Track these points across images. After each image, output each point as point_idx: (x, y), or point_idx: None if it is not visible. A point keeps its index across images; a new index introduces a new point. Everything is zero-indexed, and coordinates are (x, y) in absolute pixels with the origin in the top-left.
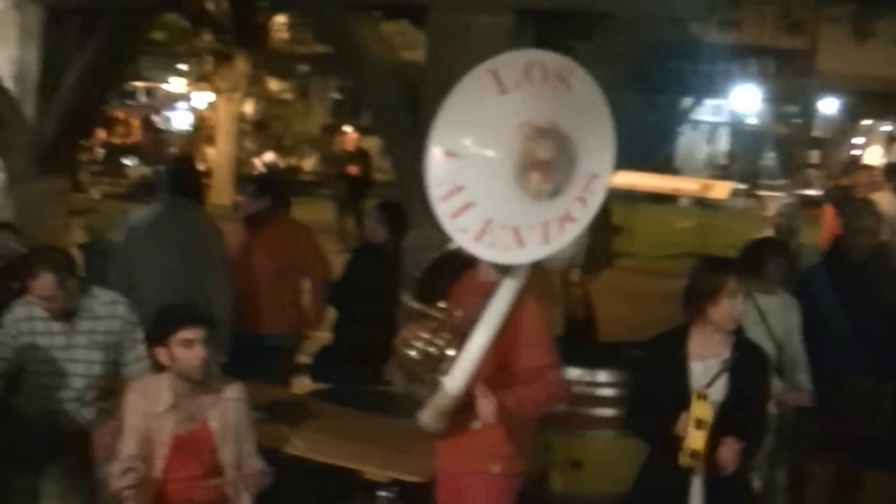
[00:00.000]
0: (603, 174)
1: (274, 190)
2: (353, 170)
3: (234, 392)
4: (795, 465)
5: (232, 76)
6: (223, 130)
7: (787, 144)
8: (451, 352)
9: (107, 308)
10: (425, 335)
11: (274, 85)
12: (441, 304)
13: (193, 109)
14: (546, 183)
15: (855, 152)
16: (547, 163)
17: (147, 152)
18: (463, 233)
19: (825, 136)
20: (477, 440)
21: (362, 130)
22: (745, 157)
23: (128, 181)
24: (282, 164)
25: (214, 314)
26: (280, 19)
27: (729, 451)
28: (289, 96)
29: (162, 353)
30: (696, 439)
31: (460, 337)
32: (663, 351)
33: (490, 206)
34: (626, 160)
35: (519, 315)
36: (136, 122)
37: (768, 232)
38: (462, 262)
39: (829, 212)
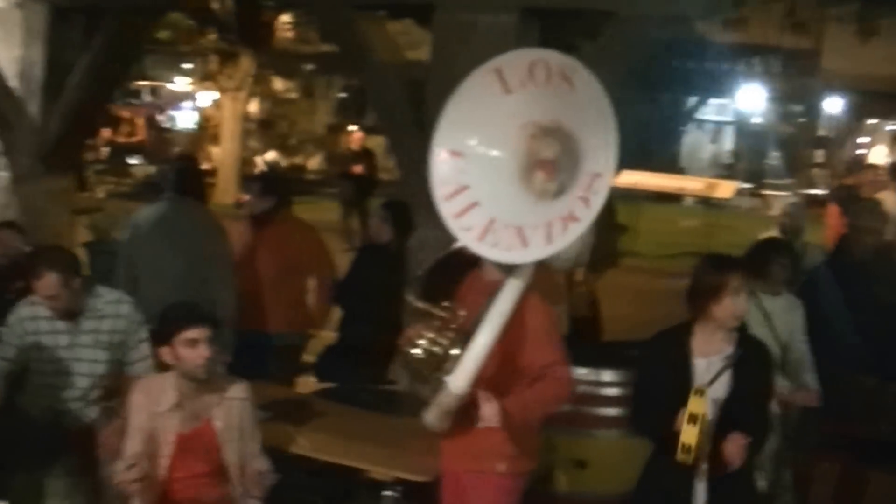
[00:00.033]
0: (606, 173)
1: (279, 189)
2: (357, 169)
3: (238, 391)
4: (799, 464)
5: (237, 75)
6: (228, 130)
7: (792, 144)
8: (455, 351)
9: (111, 307)
10: (429, 334)
11: (279, 84)
12: (445, 304)
13: (198, 108)
14: (551, 182)
15: (860, 151)
16: (551, 162)
17: (152, 151)
18: (467, 232)
19: (830, 136)
20: (482, 439)
21: (367, 130)
22: (749, 156)
23: (132, 180)
24: (283, 162)
25: (218, 313)
26: (285, 18)
27: (734, 447)
28: (293, 95)
29: (166, 353)
30: (688, 434)
31: (464, 336)
32: (666, 348)
33: (494, 206)
34: (631, 159)
35: (523, 314)
36: (140, 122)
37: (773, 231)
38: (466, 262)
39: (833, 211)
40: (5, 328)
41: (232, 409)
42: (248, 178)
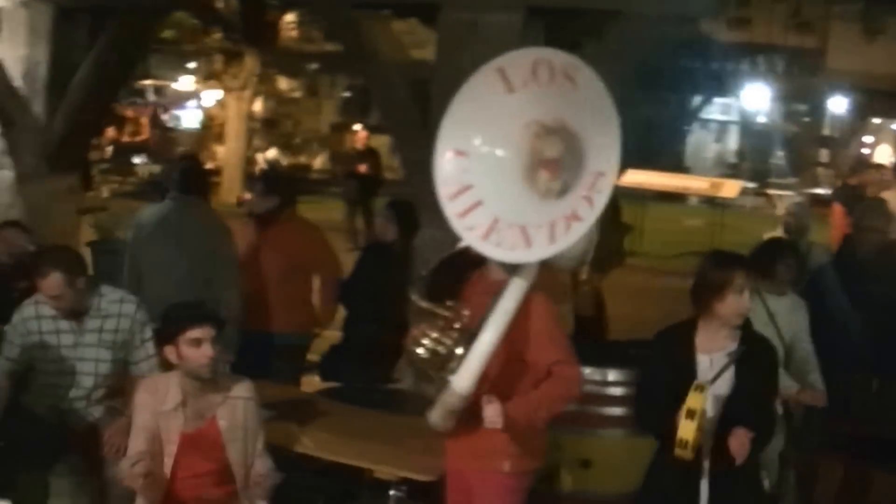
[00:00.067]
0: (609, 173)
1: (283, 189)
2: (362, 168)
3: (243, 391)
4: (803, 464)
5: (241, 74)
6: (232, 129)
7: (797, 143)
8: (459, 351)
9: (115, 307)
10: (434, 334)
11: (283, 83)
12: (450, 303)
13: (202, 108)
14: (554, 181)
15: (864, 151)
16: (555, 161)
17: (156, 151)
18: (471, 231)
19: (834, 135)
20: (487, 438)
21: (372, 129)
22: (754, 155)
23: (137, 179)
24: (285, 161)
25: (223, 313)
26: (289, 17)
27: (738, 441)
28: (298, 95)
29: (170, 352)
30: (685, 429)
31: (469, 336)
32: (670, 344)
33: (498, 205)
34: (636, 159)
35: (528, 313)
36: (145, 121)
37: (777, 231)
38: (471, 261)
39: (838, 210)
40: (9, 327)
41: (236, 408)
42: (252, 178)
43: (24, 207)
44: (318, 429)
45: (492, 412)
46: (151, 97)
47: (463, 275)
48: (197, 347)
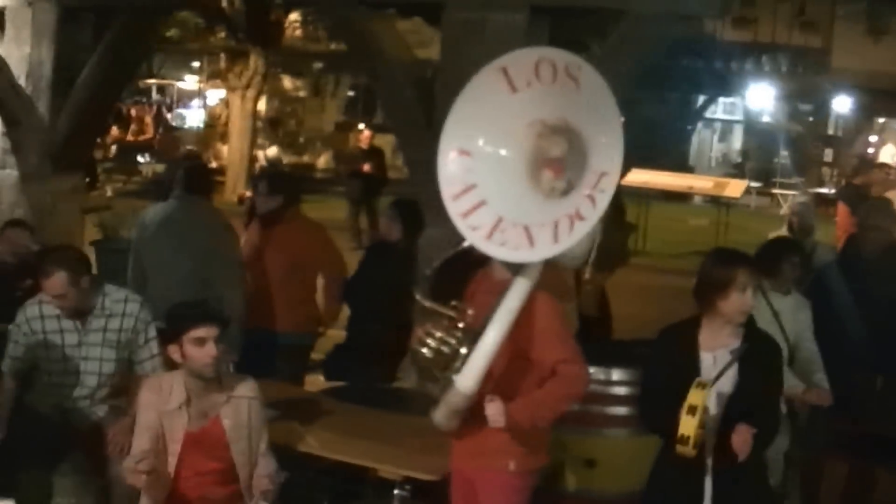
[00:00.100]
0: (612, 172)
1: (287, 188)
2: (366, 168)
3: (247, 390)
4: (809, 463)
5: (245, 74)
6: (236, 128)
7: (801, 142)
8: (464, 350)
9: (119, 306)
10: (438, 333)
11: (287, 82)
12: (454, 303)
13: (207, 107)
14: (558, 180)
15: (869, 150)
16: (559, 160)
17: (160, 150)
18: (474, 231)
19: (839, 135)
20: (492, 437)
21: (376, 128)
22: (758, 155)
23: (141, 178)
24: (285, 159)
25: (226, 312)
26: (294, 17)
27: (740, 438)
28: (302, 94)
29: (174, 351)
30: (686, 425)
31: (473, 335)
32: (673, 342)
33: (501, 204)
34: (641, 158)
35: (532, 312)
36: (149, 120)
37: (782, 230)
38: (475, 261)
39: (842, 210)
40: (14, 327)
41: (240, 407)
42: (254, 176)
43: (29, 207)
44: (322, 428)
45: (493, 410)
46: (156, 96)
47: (467, 274)
48: (201, 347)
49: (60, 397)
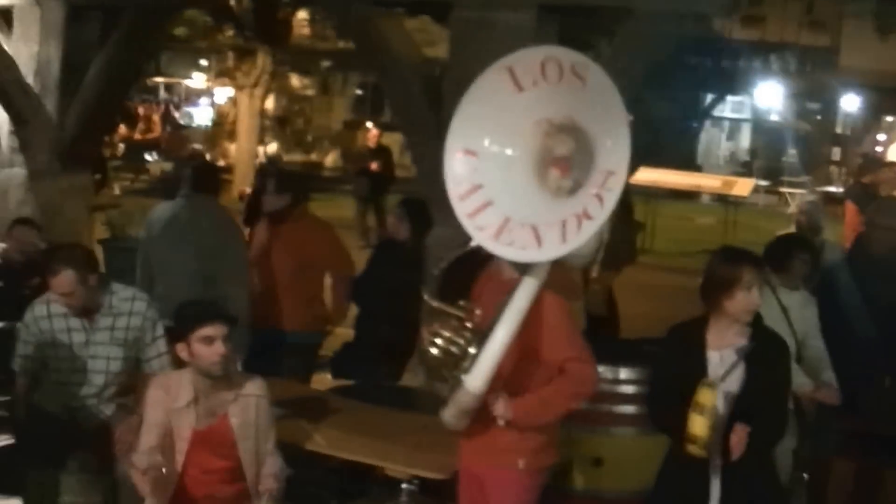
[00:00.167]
0: (620, 171)
1: (294, 186)
2: (373, 166)
3: (254, 388)
4: (816, 463)
5: (253, 72)
6: (244, 126)
7: (809, 141)
8: (472, 350)
9: (127, 304)
10: (447, 333)
11: (295, 81)
12: (462, 303)
13: (214, 105)
14: (565, 179)
15: (877, 149)
16: (566, 159)
17: (168, 148)
18: (481, 231)
19: (847, 133)
20: (501, 436)
21: (383, 127)
22: (766, 153)
23: (149, 177)
24: (293, 157)
25: (232, 310)
26: (302, 15)
27: (735, 438)
28: (310, 92)
29: (182, 350)
30: (696, 425)
31: (481, 335)
32: (681, 341)
33: (508, 204)
34: (648, 157)
35: (540, 311)
36: (157, 118)
37: (790, 229)
38: (483, 260)
39: (850, 209)
40: (21, 326)
41: (248, 405)
42: (256, 174)
43: (36, 205)
44: (330, 426)
45: (500, 407)
46: (163, 94)
47: (474, 274)
48: (209, 345)
49: (68, 396)
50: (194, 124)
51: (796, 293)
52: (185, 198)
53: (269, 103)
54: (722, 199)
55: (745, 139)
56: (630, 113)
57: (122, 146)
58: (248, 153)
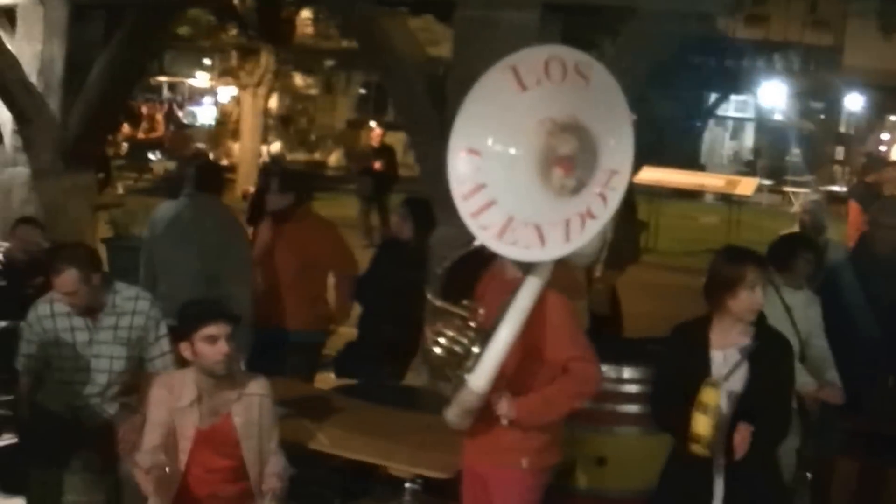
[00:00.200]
0: (623, 170)
1: (298, 186)
2: (377, 165)
3: (258, 387)
4: (820, 462)
5: (257, 71)
6: (247, 125)
7: (813, 140)
8: (476, 349)
9: (130, 303)
10: (451, 333)
11: (299, 80)
12: (465, 302)
13: (218, 104)
14: (569, 178)
15: (881, 148)
16: (569, 158)
17: (171, 147)
18: (485, 230)
19: (851, 133)
20: (505, 435)
21: (387, 126)
22: (770, 153)
23: (152, 176)
24: (297, 156)
25: (236, 310)
26: (305, 14)
27: (738, 437)
28: (314, 91)
29: (186, 349)
30: (699, 424)
31: (485, 334)
32: (684, 340)
33: (512, 204)
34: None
35: (543, 311)
36: (160, 117)
37: (794, 228)
38: (486, 260)
39: (854, 208)
40: (25, 325)
41: (251, 405)
42: (260, 173)
43: (40, 204)
44: (333, 426)
45: (504, 406)
46: (167, 94)
47: (478, 273)
48: (212, 344)
49: (71, 395)
50: (198, 123)
51: (800, 292)
52: (188, 197)
53: (273, 102)
54: (725, 199)
55: (748, 138)
56: (633, 112)
57: (125, 145)
58: (251, 152)
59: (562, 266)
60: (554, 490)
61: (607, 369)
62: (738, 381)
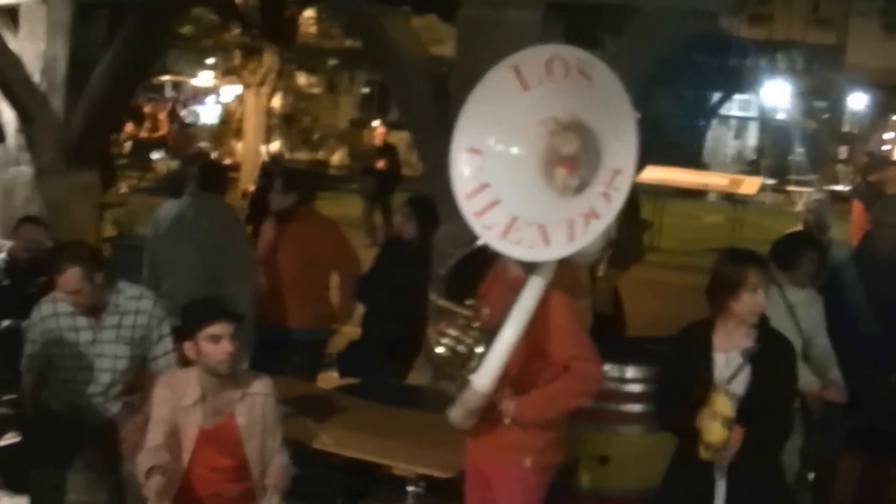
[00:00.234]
0: (627, 169)
1: (301, 185)
2: (380, 164)
3: (261, 387)
4: (823, 460)
5: (260, 70)
6: (251, 124)
7: (816, 140)
8: (480, 349)
9: (133, 303)
10: (454, 333)
11: (302, 79)
12: (469, 302)
13: (221, 103)
14: (572, 178)
15: (885, 147)
16: (572, 157)
17: (174, 146)
18: (489, 230)
19: (854, 132)
20: (508, 434)
21: (390, 125)
22: (773, 152)
23: (155, 175)
24: (292, 154)
25: (238, 309)
26: (309, 13)
27: (732, 437)
28: (317, 91)
29: (189, 348)
30: (713, 432)
31: (489, 334)
32: (689, 342)
33: (515, 203)
34: (655, 155)
35: (546, 310)
36: (163, 116)
37: (798, 227)
38: (490, 259)
39: (857, 207)
40: (28, 324)
41: (254, 404)
42: (260, 172)
43: (43, 203)
44: (336, 425)
45: (505, 404)
46: (170, 93)
47: (481, 272)
48: (216, 343)
49: (74, 394)
50: (201, 122)
51: (803, 291)
52: (191, 196)
53: (276, 102)
54: (729, 198)
55: (752, 137)
56: (637, 111)
57: (128, 144)
58: (254, 151)
59: (565, 265)
60: (557, 489)
61: (610, 368)
62: (740, 384)
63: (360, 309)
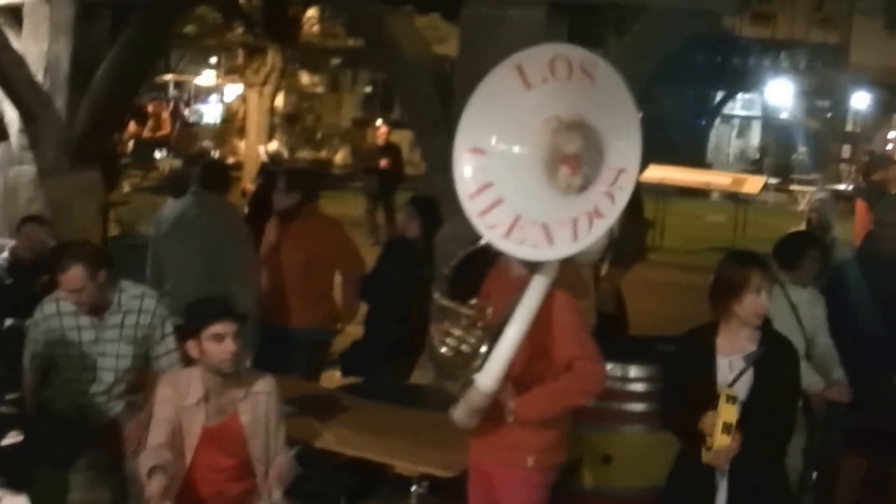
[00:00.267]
0: (630, 169)
1: (304, 184)
2: (383, 164)
3: (264, 386)
4: (826, 460)
5: (263, 69)
6: (253, 124)
7: (819, 139)
8: (483, 349)
9: (136, 302)
10: (458, 332)
11: (305, 78)
12: (472, 301)
13: (224, 103)
14: (575, 177)
15: (888, 147)
16: (575, 156)
17: (177, 145)
18: (492, 229)
19: (857, 131)
20: (510, 433)
21: (393, 124)
22: (776, 151)
23: (158, 174)
24: (294, 153)
25: (240, 308)
26: (312, 13)
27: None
28: (320, 90)
29: (192, 347)
30: (720, 440)
31: (492, 333)
32: (692, 346)
33: (519, 202)
34: (658, 154)
35: (549, 310)
36: (166, 116)
37: (801, 226)
38: (492, 258)
39: (860, 207)
40: (31, 324)
41: (258, 403)
42: (259, 172)
43: (46, 202)
44: (339, 424)
45: (511, 404)
46: (173, 92)
47: (484, 271)
48: (219, 342)
49: (77, 393)
50: (204, 122)
51: (806, 291)
52: (194, 195)
53: (279, 101)
54: (732, 197)
55: (755, 137)
56: (640, 110)
57: (131, 143)
58: (257, 151)
59: (568, 264)
60: (560, 488)
61: (613, 368)
62: (742, 388)
63: (363, 308)
